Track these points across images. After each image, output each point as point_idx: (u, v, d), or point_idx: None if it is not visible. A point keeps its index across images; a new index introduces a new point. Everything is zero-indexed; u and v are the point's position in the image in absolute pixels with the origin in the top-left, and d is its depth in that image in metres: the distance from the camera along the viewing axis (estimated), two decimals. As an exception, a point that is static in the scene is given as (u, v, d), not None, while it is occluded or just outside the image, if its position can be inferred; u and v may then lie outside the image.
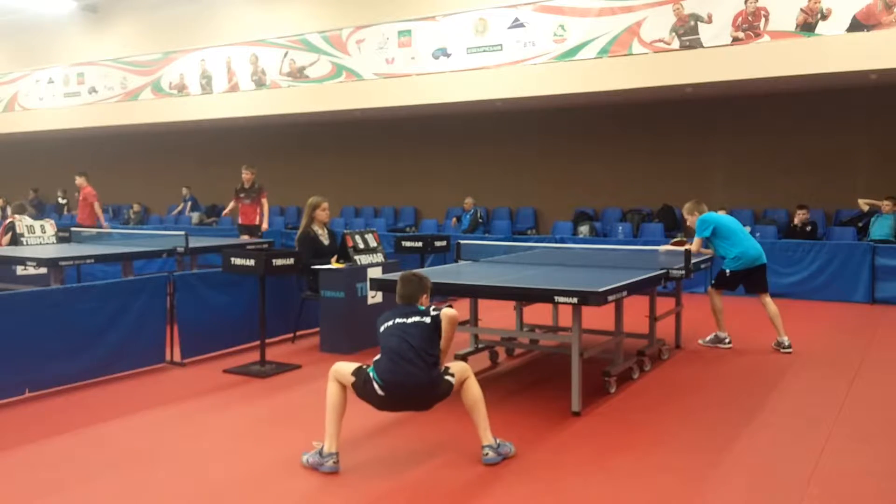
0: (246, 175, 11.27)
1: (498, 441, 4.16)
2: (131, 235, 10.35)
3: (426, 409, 4.23)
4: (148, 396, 5.50)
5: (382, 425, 4.78)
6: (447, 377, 4.15)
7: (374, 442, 4.52)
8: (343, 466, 4.02)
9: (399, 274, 4.60)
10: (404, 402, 4.15)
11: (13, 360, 5.27)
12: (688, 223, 7.23)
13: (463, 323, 6.02)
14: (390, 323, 4.21)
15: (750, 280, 6.95)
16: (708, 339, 7.09)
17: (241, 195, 11.31)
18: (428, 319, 4.18)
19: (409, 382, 4.02)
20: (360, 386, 4.08)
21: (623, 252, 7.48)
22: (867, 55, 9.49)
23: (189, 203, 17.50)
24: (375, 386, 4.02)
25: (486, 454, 4.09)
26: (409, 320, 4.18)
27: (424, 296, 4.39)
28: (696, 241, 6.92)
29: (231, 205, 11.59)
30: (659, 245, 8.02)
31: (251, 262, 6.04)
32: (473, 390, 4.14)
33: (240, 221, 11.47)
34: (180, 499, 3.72)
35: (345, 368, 4.16)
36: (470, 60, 12.09)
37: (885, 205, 10.46)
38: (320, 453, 4.03)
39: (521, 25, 11.64)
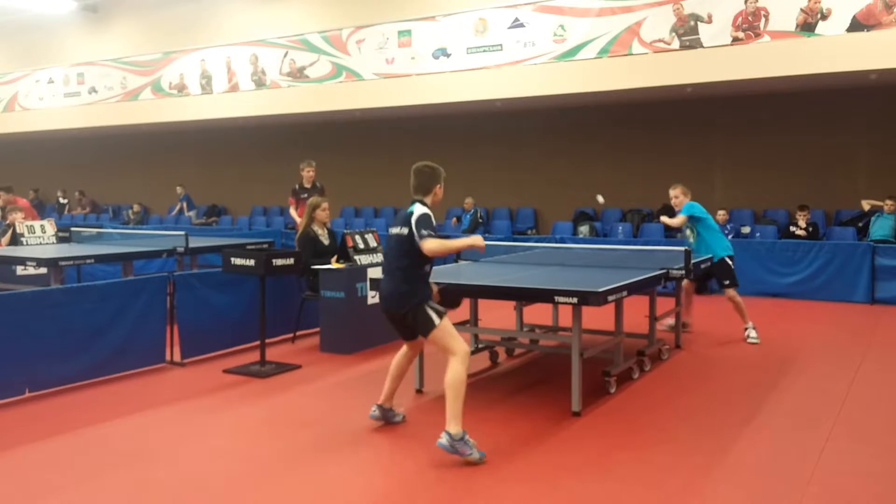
0: (308, 172, 9.94)
1: (463, 437, 4.05)
2: (131, 235, 10.35)
3: (405, 324, 4.39)
4: (148, 396, 5.50)
5: (386, 423, 4.78)
6: (430, 310, 4.25)
7: (376, 441, 4.52)
8: (343, 465, 4.02)
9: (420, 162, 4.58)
10: (388, 316, 4.47)
11: (13, 360, 5.27)
12: (674, 201, 7.43)
13: (463, 323, 6.03)
14: (388, 231, 4.49)
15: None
16: (754, 334, 7.12)
17: (304, 196, 9.67)
18: (406, 231, 4.28)
19: (384, 295, 4.41)
20: None
21: (623, 252, 7.48)
22: (867, 55, 9.49)
23: (184, 203, 17.49)
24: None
25: (441, 437, 4.08)
26: (394, 231, 4.37)
27: (438, 186, 4.45)
28: (681, 217, 7.22)
29: (293, 209, 10.02)
30: (659, 245, 8.06)
31: (251, 262, 6.04)
32: (449, 374, 4.15)
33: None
34: (180, 499, 3.72)
35: None
36: (470, 60, 12.08)
37: (888, 204, 10.46)
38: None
39: (521, 25, 11.64)
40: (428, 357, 5.51)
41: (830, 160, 11.67)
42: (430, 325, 4.24)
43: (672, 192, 7.46)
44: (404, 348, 4.68)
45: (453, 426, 4.07)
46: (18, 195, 16.39)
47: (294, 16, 14.44)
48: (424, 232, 4.23)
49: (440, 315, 4.27)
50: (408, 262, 4.29)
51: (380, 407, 4.71)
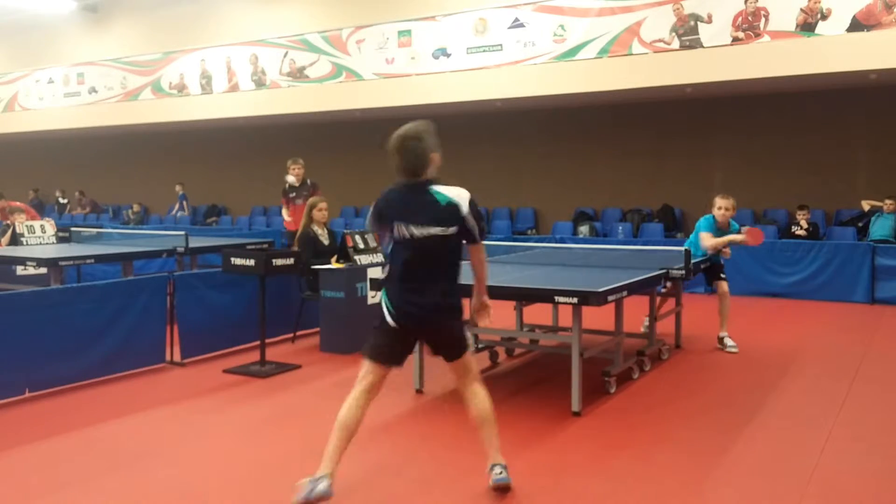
0: (295, 171, 9.50)
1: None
2: (131, 235, 10.35)
3: (439, 348, 3.62)
4: (148, 396, 5.50)
5: (386, 424, 4.78)
6: (466, 328, 3.66)
7: (376, 441, 4.51)
8: (343, 466, 4.00)
9: (396, 132, 3.53)
10: (409, 331, 3.58)
11: (13, 360, 5.27)
12: (725, 213, 6.96)
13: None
14: (404, 231, 3.46)
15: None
16: (731, 342, 6.81)
17: (292, 195, 9.48)
18: (452, 230, 3.42)
19: (423, 306, 3.50)
20: (374, 339, 3.60)
21: (623, 252, 7.48)
22: (867, 55, 9.49)
23: (184, 202, 17.49)
24: (388, 318, 3.52)
25: (501, 473, 3.62)
26: (431, 231, 3.43)
27: (434, 154, 3.47)
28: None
29: (285, 211, 9.76)
30: (657, 245, 8.01)
31: (251, 262, 6.04)
32: (484, 402, 3.65)
33: (290, 227, 9.55)
34: (180, 499, 3.72)
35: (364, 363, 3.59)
36: (470, 60, 12.09)
37: (888, 204, 10.46)
38: (312, 478, 3.48)
39: (521, 25, 11.64)
40: (428, 356, 5.50)
41: (830, 160, 11.68)
42: (466, 346, 3.64)
43: (725, 203, 6.92)
44: (364, 387, 3.56)
45: (501, 456, 3.66)
46: (18, 195, 16.48)
47: (294, 16, 14.44)
48: (485, 231, 3.57)
49: (468, 341, 3.68)
50: (456, 266, 3.54)
51: (318, 481, 3.45)
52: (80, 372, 5.72)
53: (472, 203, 3.49)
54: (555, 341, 6.58)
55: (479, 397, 3.63)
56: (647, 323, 6.91)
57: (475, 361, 3.74)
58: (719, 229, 6.94)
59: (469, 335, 3.69)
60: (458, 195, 3.49)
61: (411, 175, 3.49)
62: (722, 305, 6.93)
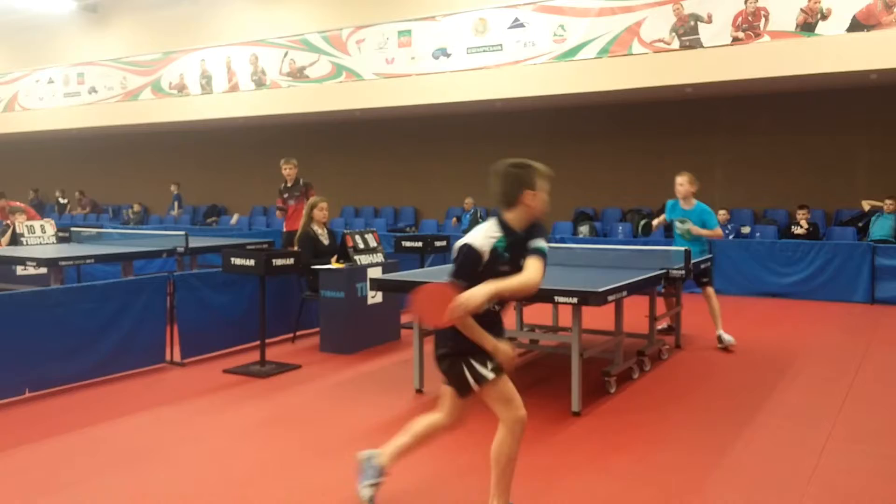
0: (287, 170, 9.45)
1: None
2: (131, 235, 10.35)
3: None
4: (148, 396, 5.50)
5: (386, 423, 4.78)
6: (468, 371, 3.19)
7: (376, 441, 4.50)
8: (343, 466, 4.01)
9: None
10: None
11: (13, 360, 5.27)
12: (682, 189, 6.99)
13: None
14: None
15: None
16: (727, 337, 6.87)
17: (285, 195, 9.51)
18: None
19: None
20: None
21: (623, 252, 7.47)
22: (867, 55, 9.50)
23: (176, 202, 17.48)
24: None
25: None
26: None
27: (528, 191, 3.14)
28: (718, 231, 7.12)
29: (279, 211, 9.81)
30: (657, 245, 8.02)
31: (251, 262, 6.04)
32: (493, 443, 3.29)
33: (284, 228, 9.62)
34: (180, 499, 3.72)
35: None
36: (470, 60, 12.09)
37: (888, 204, 10.46)
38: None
39: (521, 25, 11.64)
40: (427, 356, 5.49)
41: (830, 160, 11.68)
42: (465, 388, 3.25)
43: (679, 179, 6.98)
44: (445, 415, 3.43)
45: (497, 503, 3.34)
46: (18, 195, 16.46)
47: (294, 16, 14.44)
48: (456, 280, 3.12)
49: (482, 377, 3.20)
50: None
51: (369, 458, 3.61)
52: (80, 372, 5.72)
53: (461, 247, 3.18)
54: (555, 341, 6.58)
55: (495, 439, 3.29)
56: (664, 326, 7.13)
57: (498, 403, 3.25)
58: (682, 206, 7.09)
59: (471, 379, 3.22)
60: (479, 228, 3.25)
61: (496, 200, 3.25)
62: (711, 307, 6.99)
